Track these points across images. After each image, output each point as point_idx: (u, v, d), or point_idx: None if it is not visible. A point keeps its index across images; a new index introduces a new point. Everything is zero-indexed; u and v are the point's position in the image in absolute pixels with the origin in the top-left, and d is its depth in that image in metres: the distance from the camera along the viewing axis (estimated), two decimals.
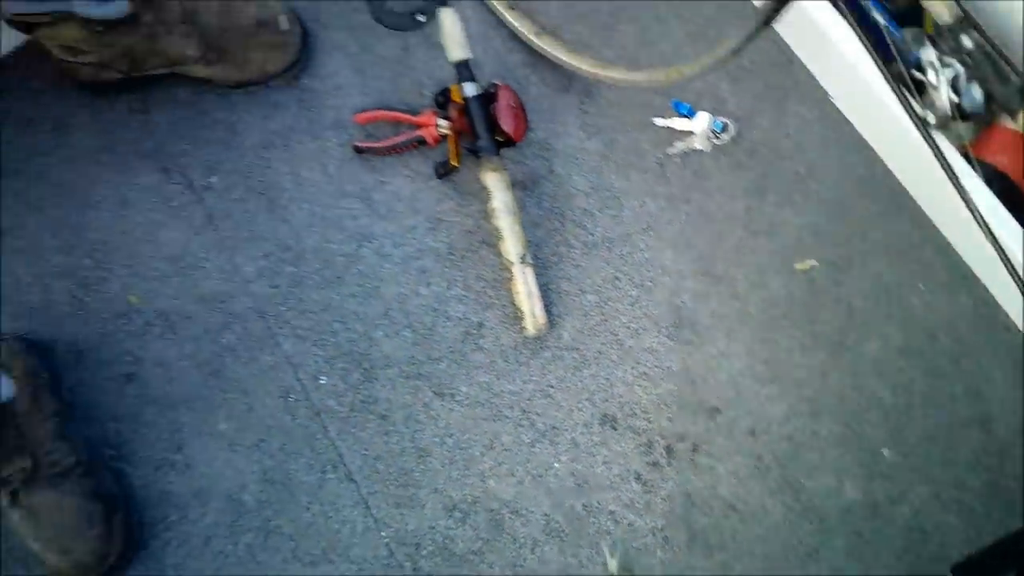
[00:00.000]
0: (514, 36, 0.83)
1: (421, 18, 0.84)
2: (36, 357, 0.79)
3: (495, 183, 0.76)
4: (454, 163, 0.79)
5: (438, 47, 0.85)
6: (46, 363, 0.80)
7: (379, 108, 0.81)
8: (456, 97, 0.78)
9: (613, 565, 0.23)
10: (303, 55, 0.84)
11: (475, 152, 0.77)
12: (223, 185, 0.83)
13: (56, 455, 0.73)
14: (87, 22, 0.74)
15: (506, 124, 0.74)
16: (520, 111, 0.76)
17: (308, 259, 0.81)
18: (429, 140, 0.80)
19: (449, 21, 0.78)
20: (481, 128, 0.76)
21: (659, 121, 0.81)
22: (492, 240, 0.80)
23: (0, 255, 0.75)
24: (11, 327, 0.81)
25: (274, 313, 0.80)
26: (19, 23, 0.76)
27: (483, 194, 0.77)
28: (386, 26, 0.85)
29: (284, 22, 0.81)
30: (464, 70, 0.77)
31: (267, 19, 0.81)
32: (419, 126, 0.80)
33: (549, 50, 0.80)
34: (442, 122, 0.79)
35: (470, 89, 0.76)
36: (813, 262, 0.81)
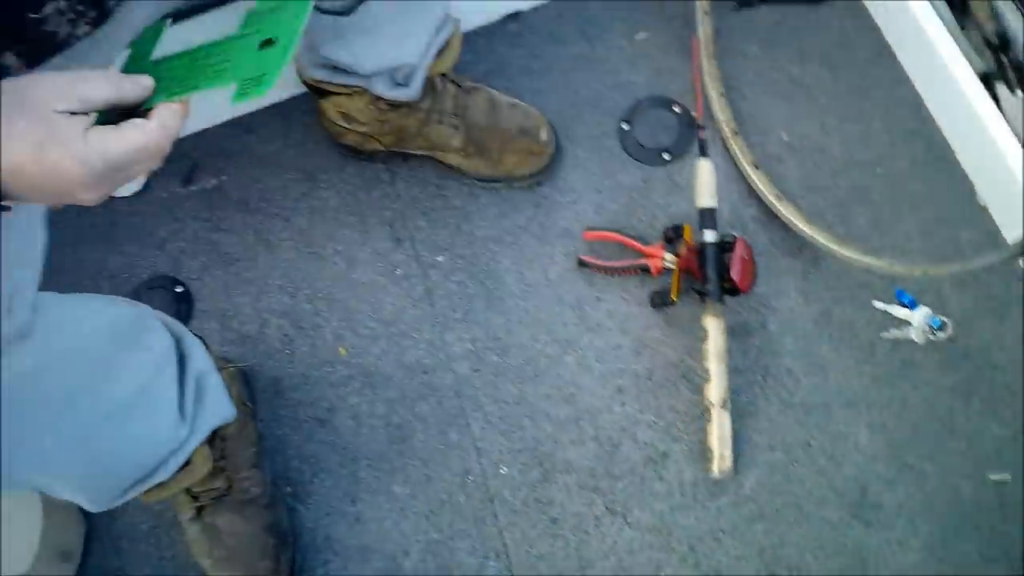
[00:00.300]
0: (752, 193, 1.25)
1: (666, 156, 1.27)
2: (247, 386, 1.17)
3: (714, 328, 1.12)
4: (673, 297, 1.16)
5: (676, 187, 1.27)
6: (250, 392, 1.18)
7: (609, 229, 1.23)
8: (688, 237, 1.18)
9: None
10: (551, 166, 1.27)
11: (700, 294, 1.15)
12: (448, 266, 1.25)
13: (247, 483, 1.07)
14: (376, 99, 1.16)
15: (737, 275, 1.13)
16: (751, 265, 1.15)
17: (513, 353, 1.20)
18: (652, 270, 1.19)
19: (706, 171, 1.18)
20: (713, 274, 1.14)
21: (878, 304, 1.19)
22: (694, 377, 1.16)
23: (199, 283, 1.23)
24: (220, 350, 1.20)
25: (471, 395, 1.18)
26: (314, 87, 1.19)
27: (699, 334, 1.14)
28: (631, 156, 1.28)
29: (544, 134, 1.24)
30: (708, 217, 1.16)
31: (529, 128, 1.24)
32: (645, 255, 1.20)
33: (787, 215, 1.20)
34: (669, 256, 1.18)
35: (710, 236, 1.15)
36: (1007, 476, 1.13)
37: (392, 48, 1.07)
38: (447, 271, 1.26)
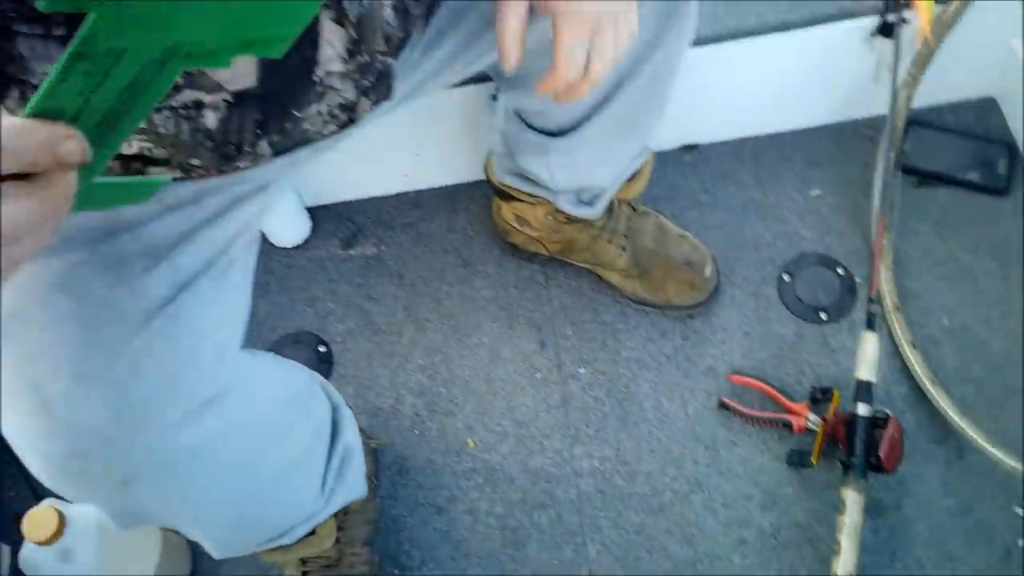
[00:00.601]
0: (905, 372, 1.35)
1: (824, 316, 1.38)
2: (375, 462, 1.29)
3: (853, 502, 1.21)
4: (813, 460, 1.26)
5: (829, 349, 1.38)
6: (376, 468, 1.29)
7: (756, 377, 1.33)
8: (836, 403, 1.29)
9: None
10: (708, 301, 1.40)
11: (843, 464, 1.24)
12: (588, 379, 1.38)
13: (356, 559, 1.18)
14: (556, 211, 1.31)
15: (885, 454, 1.21)
16: (900, 446, 1.23)
17: (640, 481, 1.30)
18: (794, 427, 1.29)
19: (871, 345, 1.28)
20: (860, 448, 1.22)
21: (1020, 511, 1.28)
22: (821, 545, 1.25)
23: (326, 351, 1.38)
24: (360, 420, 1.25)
25: (591, 515, 1.28)
26: (499, 190, 1.35)
27: (835, 503, 1.22)
28: (788, 308, 1.39)
29: (708, 270, 1.37)
30: (864, 390, 1.26)
31: (695, 262, 1.37)
32: (789, 411, 1.30)
33: (939, 400, 1.30)
34: (813, 418, 1.28)
35: (863, 409, 1.24)
36: None
37: (588, 171, 1.22)
38: (586, 384, 1.39)
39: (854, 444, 1.27)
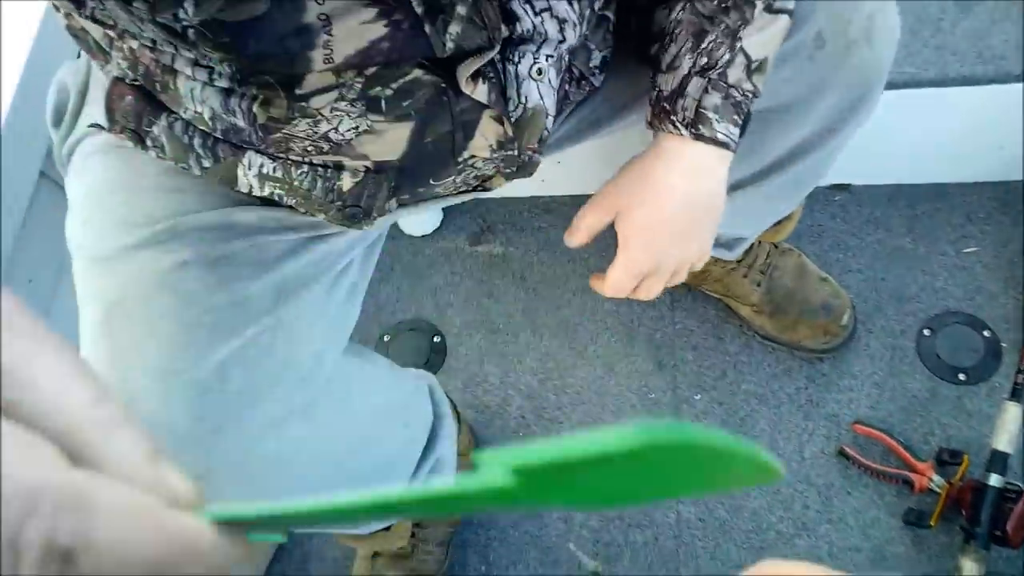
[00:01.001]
0: None
1: (962, 377, 1.44)
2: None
3: (970, 572, 1.30)
4: (932, 523, 1.35)
5: (964, 412, 1.47)
6: None
7: (880, 429, 1.42)
8: (964, 469, 1.38)
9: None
10: (840, 348, 1.51)
11: (965, 532, 1.33)
12: (703, 407, 1.50)
13: (428, 557, 1.32)
14: None
15: (1013, 528, 1.30)
16: None
17: (744, 516, 1.42)
18: (915, 486, 1.37)
19: (1013, 415, 1.37)
20: (986, 518, 1.31)
21: None
22: None
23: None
24: (465, 415, 1.45)
25: (689, 543, 1.40)
26: None
27: (953, 572, 1.32)
28: (925, 365, 1.49)
29: (846, 318, 1.48)
30: (999, 461, 1.34)
31: (833, 308, 1.48)
32: (913, 469, 1.38)
33: None
34: (938, 480, 1.37)
35: (995, 480, 1.33)
36: None
37: (730, 223, 1.30)
38: (700, 411, 1.53)
39: (980, 513, 1.37)
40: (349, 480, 0.97)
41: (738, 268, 1.49)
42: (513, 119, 0.78)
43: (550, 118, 0.81)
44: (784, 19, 0.80)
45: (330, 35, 0.62)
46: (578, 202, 1.73)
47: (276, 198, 0.81)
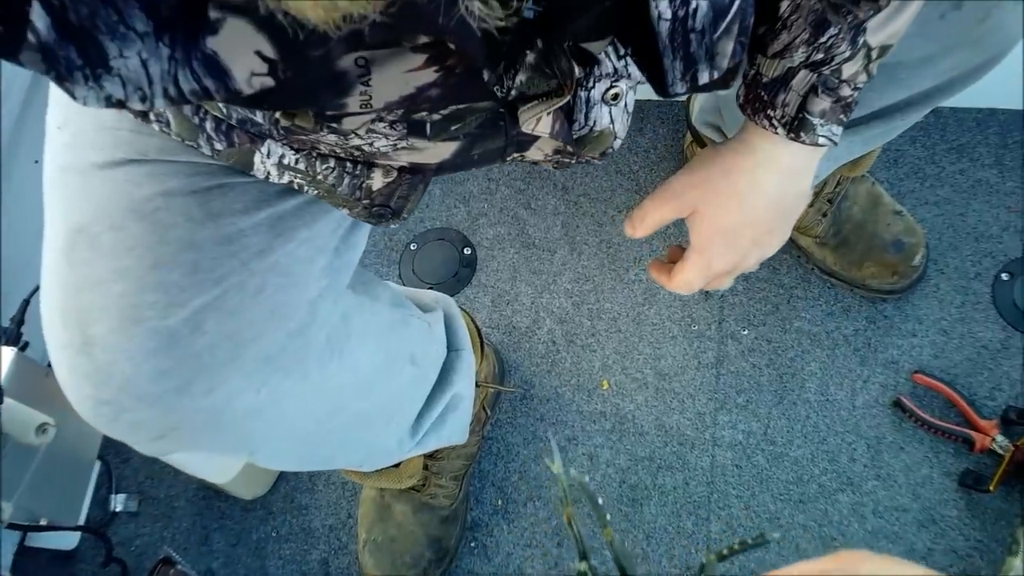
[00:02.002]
0: None
1: None
2: (498, 381, 1.36)
3: None
4: (991, 488, 1.25)
5: None
6: (495, 397, 1.37)
7: (942, 381, 1.33)
8: None
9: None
10: (907, 291, 1.39)
11: None
12: (750, 343, 1.40)
13: (439, 491, 1.25)
14: None
15: None
16: None
17: (785, 465, 1.33)
18: (976, 446, 1.28)
19: None
20: None
21: None
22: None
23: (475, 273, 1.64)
24: (486, 334, 1.40)
25: (723, 490, 1.32)
26: (697, 135, 1.40)
27: (1007, 541, 1.24)
28: (999, 312, 1.35)
29: (918, 258, 1.35)
30: None
31: (906, 245, 1.36)
32: (974, 427, 1.29)
33: None
34: (1002, 440, 1.27)
35: None
36: None
37: None
38: (746, 348, 1.41)
39: None
40: (343, 424, 0.90)
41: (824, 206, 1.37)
42: (576, 137, 0.68)
43: (618, 140, 0.71)
44: (917, 3, 0.67)
45: (367, 85, 0.52)
46: (638, 108, 1.60)
47: (296, 187, 0.71)
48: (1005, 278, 1.41)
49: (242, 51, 0.45)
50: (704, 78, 0.64)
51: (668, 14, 0.57)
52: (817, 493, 1.33)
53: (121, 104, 0.45)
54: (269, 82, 0.47)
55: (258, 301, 0.71)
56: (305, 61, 0.47)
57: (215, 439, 0.73)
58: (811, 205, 1.34)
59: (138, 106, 0.46)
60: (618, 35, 0.61)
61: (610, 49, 0.62)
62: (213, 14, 0.43)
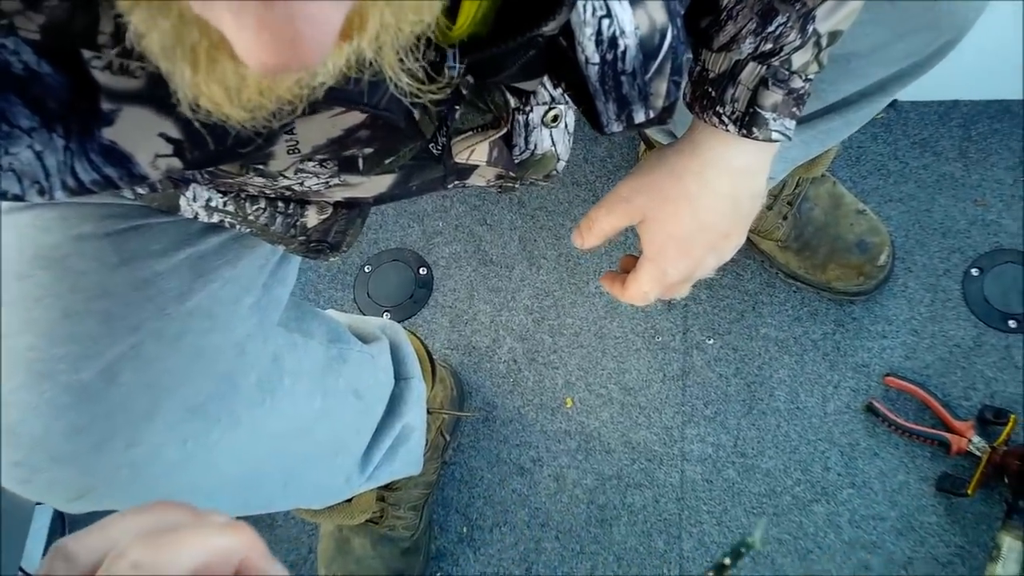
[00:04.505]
0: None
1: (1012, 324, 1.31)
2: (458, 406, 1.32)
3: (1011, 550, 1.17)
4: (968, 492, 1.21)
5: (1013, 365, 1.31)
6: (455, 423, 1.32)
7: (915, 383, 1.29)
8: (1010, 430, 1.23)
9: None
10: (874, 291, 1.35)
11: (1008, 505, 1.20)
12: (716, 353, 1.36)
13: (398, 522, 1.21)
14: None
15: None
16: None
17: (756, 477, 1.29)
18: (951, 448, 1.24)
19: None
20: None
21: None
22: None
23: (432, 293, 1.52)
24: (443, 353, 1.39)
25: (693, 506, 1.27)
26: (650, 142, 1.60)
27: (988, 547, 1.20)
28: (970, 309, 1.32)
29: (883, 257, 1.32)
30: None
31: (870, 245, 1.32)
32: (950, 429, 1.25)
33: None
34: (978, 442, 1.23)
35: None
36: None
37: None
38: (712, 358, 1.37)
39: None
40: (281, 467, 0.86)
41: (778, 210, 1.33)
42: (517, 161, 0.66)
43: (562, 162, 0.69)
44: None
45: (292, 133, 0.50)
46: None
47: (227, 226, 0.69)
48: (975, 273, 1.38)
49: (144, 136, 0.43)
50: (640, 117, 0.61)
51: (596, 58, 0.55)
52: (791, 505, 1.29)
53: (18, 198, 0.43)
54: (176, 163, 0.45)
55: (178, 348, 0.68)
56: (215, 136, 0.45)
57: (138, 496, 0.69)
58: (770, 208, 1.30)
59: (37, 199, 0.43)
60: (550, 75, 0.59)
61: (546, 79, 0.61)
62: (106, 106, 0.41)
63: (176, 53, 0.32)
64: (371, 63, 0.37)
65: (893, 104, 1.48)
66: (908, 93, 1.38)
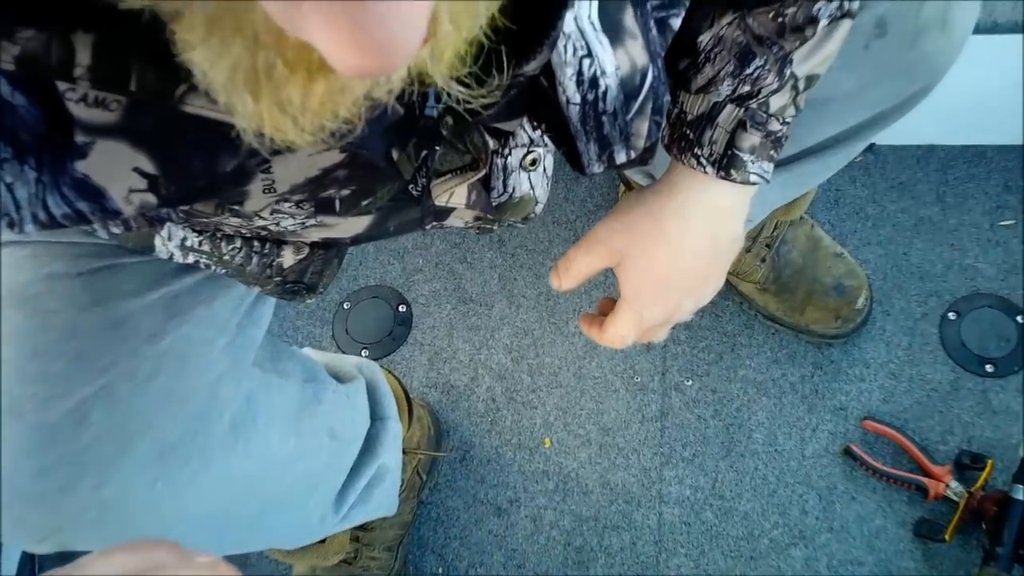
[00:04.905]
0: None
1: (990, 368, 1.32)
2: (435, 446, 1.32)
3: None
4: (946, 537, 1.21)
5: (990, 409, 1.32)
6: (432, 463, 1.31)
7: (893, 427, 1.29)
8: (987, 476, 1.23)
9: None
10: (853, 334, 1.35)
11: (985, 551, 1.20)
12: (694, 395, 1.36)
13: (373, 563, 1.20)
14: None
15: None
16: None
17: (734, 521, 1.29)
18: (929, 493, 1.24)
19: None
20: (1010, 536, 1.17)
21: None
22: None
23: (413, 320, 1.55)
24: (421, 392, 1.38)
25: (671, 549, 1.27)
26: (629, 183, 1.62)
27: None
28: (948, 353, 1.33)
29: (861, 301, 1.32)
30: None
31: (847, 289, 1.33)
32: (927, 473, 1.25)
33: None
34: (956, 487, 1.23)
35: (1023, 492, 1.18)
36: None
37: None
38: (691, 400, 1.37)
39: (1003, 530, 1.21)
40: (254, 508, 0.85)
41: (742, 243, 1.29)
42: (496, 204, 0.66)
43: (540, 205, 0.69)
44: (845, 26, 0.65)
45: (268, 172, 0.50)
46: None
47: (203, 267, 0.68)
48: (952, 317, 1.38)
49: (117, 170, 0.43)
50: (621, 158, 0.61)
51: (577, 98, 0.55)
52: (769, 548, 1.28)
53: None
54: (150, 198, 0.45)
55: (149, 388, 0.67)
56: (190, 171, 0.45)
57: (106, 537, 0.69)
58: (749, 250, 1.30)
59: (7, 233, 0.43)
60: (530, 115, 0.59)
61: (525, 121, 0.60)
62: (80, 139, 0.41)
63: (239, 81, 0.32)
64: (416, 76, 0.36)
65: (871, 148, 1.49)
66: (886, 137, 1.40)
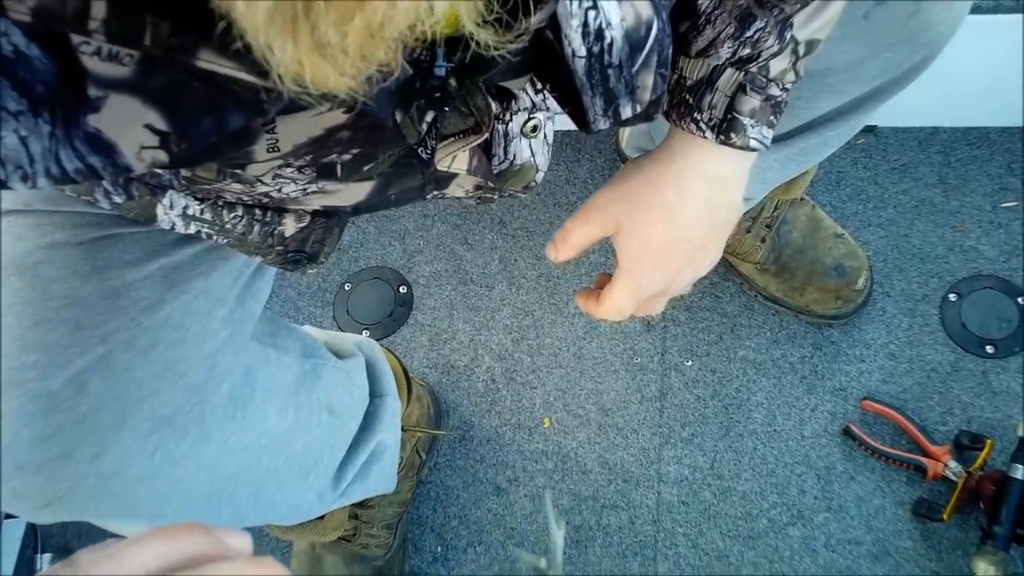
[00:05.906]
0: None
1: (990, 349, 1.32)
2: (434, 423, 1.31)
3: (986, 575, 1.16)
4: (944, 517, 1.21)
5: (990, 390, 1.32)
6: (431, 441, 1.31)
7: (892, 407, 1.29)
8: (986, 456, 1.23)
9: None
10: (853, 315, 1.35)
11: (983, 530, 1.19)
12: (693, 374, 1.37)
13: (371, 540, 1.20)
14: None
15: None
16: None
17: (733, 500, 1.29)
18: (928, 473, 1.24)
19: None
20: (1007, 516, 1.17)
21: None
22: None
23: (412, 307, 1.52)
24: (421, 372, 1.38)
25: (669, 528, 1.27)
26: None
27: (966, 574, 1.20)
28: (948, 334, 1.33)
29: (861, 281, 1.32)
30: None
31: (848, 269, 1.32)
32: (926, 453, 1.25)
33: None
34: (955, 466, 1.23)
35: (1021, 471, 1.18)
36: None
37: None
38: (690, 380, 1.37)
39: (1001, 509, 1.21)
40: (252, 483, 0.85)
41: (741, 224, 1.33)
42: (496, 172, 0.66)
43: (541, 173, 0.69)
44: None
45: (273, 132, 0.50)
46: (570, 139, 1.57)
47: (204, 237, 0.68)
48: (953, 299, 1.38)
49: (129, 126, 0.43)
50: (627, 112, 0.61)
51: (583, 51, 0.54)
52: (767, 528, 1.28)
53: (2, 185, 0.43)
54: (162, 155, 0.45)
55: (149, 358, 0.68)
56: (201, 129, 0.45)
57: (105, 507, 0.69)
58: (749, 231, 1.30)
59: (20, 186, 0.43)
60: (536, 73, 0.59)
61: (528, 85, 0.61)
62: (93, 92, 0.41)
63: (278, 21, 0.32)
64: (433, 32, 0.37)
65: (873, 130, 1.49)
66: (888, 119, 1.40)
